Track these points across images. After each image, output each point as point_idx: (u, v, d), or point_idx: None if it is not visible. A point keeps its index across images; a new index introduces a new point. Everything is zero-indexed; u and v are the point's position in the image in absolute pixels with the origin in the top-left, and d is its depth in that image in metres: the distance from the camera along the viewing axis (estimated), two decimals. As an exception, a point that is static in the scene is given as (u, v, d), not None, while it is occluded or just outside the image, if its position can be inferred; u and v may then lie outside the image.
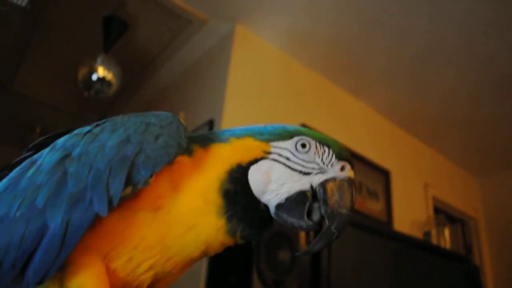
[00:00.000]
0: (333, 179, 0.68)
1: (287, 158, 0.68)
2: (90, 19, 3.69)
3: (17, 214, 0.57)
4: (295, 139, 0.70)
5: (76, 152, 0.62)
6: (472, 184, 6.01)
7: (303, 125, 3.75)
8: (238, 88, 3.44)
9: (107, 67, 3.46)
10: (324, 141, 0.71)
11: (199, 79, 3.91)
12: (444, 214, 5.29)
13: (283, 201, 0.66)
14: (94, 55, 3.54)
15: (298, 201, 0.66)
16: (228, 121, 3.22)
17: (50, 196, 0.58)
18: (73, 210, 0.56)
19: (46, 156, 0.64)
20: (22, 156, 0.73)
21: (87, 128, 0.68)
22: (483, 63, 3.86)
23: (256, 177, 0.67)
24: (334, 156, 0.70)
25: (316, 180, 0.68)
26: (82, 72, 3.47)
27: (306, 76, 4.12)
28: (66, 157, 0.62)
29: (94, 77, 3.42)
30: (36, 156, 0.68)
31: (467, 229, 5.71)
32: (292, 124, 0.76)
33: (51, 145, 0.67)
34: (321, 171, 0.68)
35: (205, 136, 0.73)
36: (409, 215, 4.57)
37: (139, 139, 0.62)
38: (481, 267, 5.11)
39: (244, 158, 0.68)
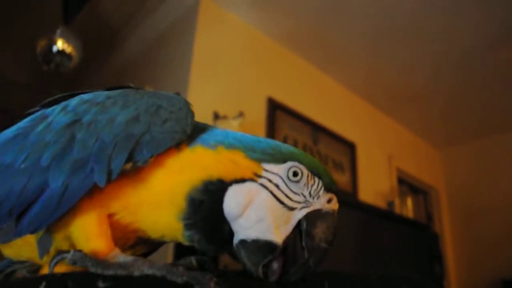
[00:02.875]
0: (319, 211, 0.63)
1: (277, 186, 0.63)
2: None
3: (22, 166, 0.61)
4: (288, 164, 0.64)
5: (86, 118, 0.64)
6: (434, 156, 6.21)
7: (270, 99, 3.76)
8: (204, 61, 3.40)
9: (67, 39, 3.34)
10: (315, 171, 0.66)
11: (165, 52, 3.84)
12: (407, 185, 5.46)
13: (249, 240, 0.61)
14: (54, 28, 3.41)
15: (262, 250, 0.60)
16: (194, 94, 3.19)
17: (55, 157, 0.61)
18: (74, 175, 0.59)
19: (57, 116, 0.66)
20: (35, 109, 0.74)
21: (100, 96, 0.68)
22: (444, 36, 3.94)
23: (235, 198, 0.62)
24: (323, 188, 0.65)
25: (299, 215, 0.63)
26: (41, 45, 3.34)
27: (273, 49, 4.11)
28: (76, 121, 0.64)
29: (54, 49, 3.29)
30: (48, 111, 0.70)
31: (429, 199, 5.92)
32: (282, 143, 0.70)
33: (63, 104, 0.69)
34: (306, 204, 0.63)
35: (194, 132, 0.68)
36: (373, 186, 4.70)
37: (147, 120, 0.63)
38: (441, 235, 5.33)
39: (229, 174, 0.63)
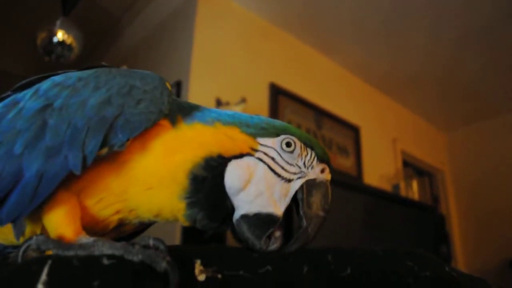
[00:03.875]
0: (313, 180, 0.66)
1: (273, 158, 0.65)
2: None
3: None
4: (282, 137, 0.66)
5: (57, 103, 0.61)
6: (439, 138, 6.19)
7: (273, 84, 3.75)
8: (204, 49, 3.39)
9: (67, 30, 3.33)
10: (308, 143, 0.68)
11: (166, 40, 3.82)
12: (412, 168, 5.45)
13: (251, 214, 0.62)
14: (53, 19, 3.40)
15: (264, 223, 0.62)
16: (196, 82, 3.18)
17: (27, 144, 0.59)
18: (48, 163, 0.57)
19: (28, 101, 0.64)
20: (7, 93, 0.72)
21: (71, 78, 0.66)
22: (446, 16, 3.90)
23: (235, 173, 0.63)
24: (316, 158, 0.67)
25: (296, 185, 0.65)
26: (41, 36, 3.34)
27: (274, 35, 4.08)
28: (47, 106, 0.62)
29: (54, 40, 3.29)
30: (19, 96, 0.67)
31: (434, 181, 5.92)
32: (273, 119, 0.72)
33: (34, 88, 0.67)
34: (302, 175, 0.66)
35: (190, 109, 0.68)
36: (378, 169, 4.70)
37: (120, 102, 0.61)
38: (447, 216, 5.34)
39: (228, 150, 0.64)
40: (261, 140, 0.66)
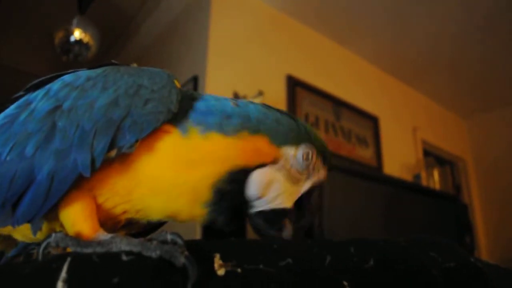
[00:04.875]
0: (317, 183, 0.70)
1: (291, 165, 0.67)
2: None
3: (8, 158, 0.60)
4: (303, 148, 0.68)
5: (66, 105, 0.62)
6: (459, 126, 6.08)
7: (289, 77, 3.72)
8: (220, 42, 3.38)
9: (84, 28, 3.37)
10: (321, 151, 0.71)
11: (181, 35, 3.83)
12: (433, 157, 5.37)
13: (268, 211, 0.66)
14: (69, 18, 3.44)
15: (279, 215, 0.66)
16: (213, 76, 3.18)
17: (38, 147, 0.60)
18: (58, 165, 0.58)
19: (39, 102, 0.65)
20: (20, 93, 0.73)
21: (81, 78, 0.67)
22: (468, 3, 3.81)
23: (257, 183, 0.64)
24: (323, 163, 0.71)
25: (304, 188, 0.69)
26: (59, 36, 3.38)
27: (290, 27, 4.05)
28: (57, 108, 0.62)
29: (72, 40, 3.32)
30: (32, 96, 0.68)
31: (456, 170, 5.82)
32: (296, 119, 0.72)
33: (46, 89, 0.67)
34: (308, 177, 0.69)
35: (198, 113, 0.66)
36: (398, 159, 4.64)
37: (127, 103, 0.61)
38: (470, 205, 5.24)
39: (253, 162, 0.64)
40: (284, 149, 0.67)
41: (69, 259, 0.46)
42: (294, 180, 0.68)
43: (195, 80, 3.23)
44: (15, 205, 0.60)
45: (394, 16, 4.02)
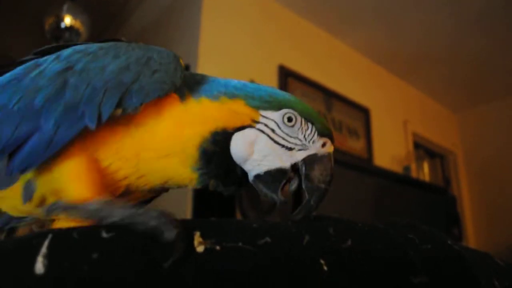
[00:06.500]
0: (314, 155, 0.68)
1: (272, 130, 0.69)
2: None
3: (15, 107, 0.63)
4: (283, 111, 0.69)
5: (78, 66, 0.65)
6: (450, 119, 6.12)
7: (281, 67, 3.72)
8: (212, 32, 3.37)
9: (74, 15, 3.33)
10: (308, 118, 0.70)
11: (172, 24, 3.81)
12: (423, 149, 5.41)
13: (262, 173, 0.67)
14: (60, 4, 3.40)
15: (276, 176, 0.67)
16: (204, 65, 3.17)
17: (48, 99, 0.62)
18: (65, 117, 0.61)
19: (50, 64, 0.67)
20: (27, 57, 0.75)
21: (92, 47, 0.70)
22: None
23: (239, 145, 0.67)
24: (316, 133, 0.70)
25: (298, 156, 0.68)
26: (49, 22, 3.34)
27: (282, 17, 4.04)
28: (68, 68, 0.65)
29: (62, 26, 3.29)
30: (41, 60, 0.70)
31: (446, 163, 5.88)
32: (280, 90, 0.74)
33: (56, 54, 0.70)
34: (303, 147, 0.69)
35: (196, 84, 0.72)
36: (389, 151, 4.67)
37: (137, 70, 0.65)
38: (458, 198, 5.30)
39: (231, 123, 0.68)
40: (264, 113, 0.69)
41: (50, 235, 0.47)
42: (284, 144, 0.68)
43: (186, 69, 3.21)
44: (12, 153, 0.62)
45: (387, 8, 4.02)
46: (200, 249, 0.48)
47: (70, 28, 3.31)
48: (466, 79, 5.22)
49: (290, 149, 0.68)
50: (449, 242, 0.62)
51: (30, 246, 0.45)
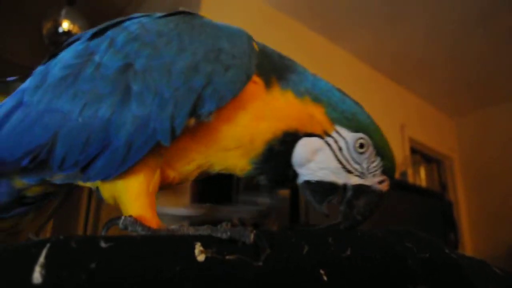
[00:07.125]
0: (368, 187, 0.66)
1: (340, 149, 0.66)
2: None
3: (80, 120, 0.59)
4: (359, 135, 0.67)
5: (138, 64, 0.60)
6: (447, 125, 6.13)
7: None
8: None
9: (72, 20, 3.33)
10: (381, 151, 0.68)
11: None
12: (420, 154, 5.42)
13: (314, 181, 0.66)
14: (58, 9, 3.39)
15: (326, 189, 0.66)
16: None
17: (114, 111, 0.58)
18: (136, 134, 0.58)
19: (105, 55, 0.62)
20: (75, 38, 0.71)
21: (150, 32, 0.64)
22: (461, 3, 3.83)
23: (302, 150, 0.65)
24: (381, 169, 0.67)
25: (352, 180, 0.66)
26: (47, 26, 3.34)
27: (281, 22, 4.04)
28: (128, 67, 0.60)
29: (60, 31, 3.29)
30: (92, 44, 0.65)
31: (443, 168, 5.88)
32: (363, 111, 0.73)
33: (109, 39, 0.65)
34: (361, 176, 0.66)
35: (285, 70, 0.69)
36: (386, 156, 4.66)
37: (208, 70, 0.59)
38: (455, 203, 5.31)
39: (304, 127, 0.65)
40: (339, 128, 0.67)
41: (48, 245, 0.47)
42: (344, 165, 0.66)
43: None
44: (87, 166, 0.60)
45: (385, 15, 4.03)
46: (201, 258, 0.48)
47: (68, 33, 3.30)
48: (463, 84, 5.23)
49: (349, 172, 0.66)
50: (446, 250, 0.62)
51: (28, 255, 0.45)
